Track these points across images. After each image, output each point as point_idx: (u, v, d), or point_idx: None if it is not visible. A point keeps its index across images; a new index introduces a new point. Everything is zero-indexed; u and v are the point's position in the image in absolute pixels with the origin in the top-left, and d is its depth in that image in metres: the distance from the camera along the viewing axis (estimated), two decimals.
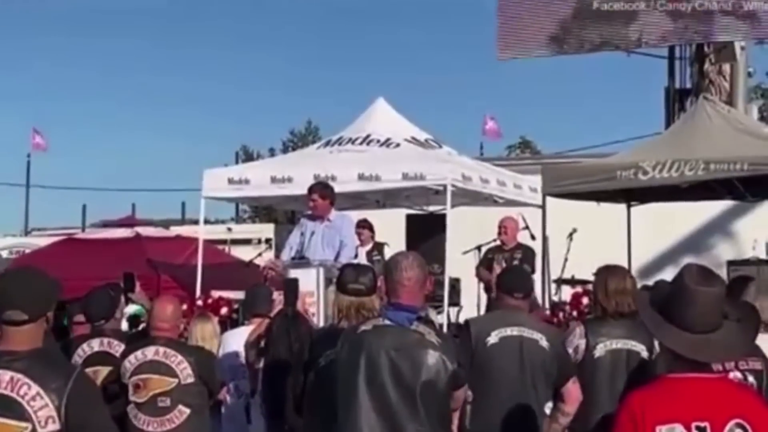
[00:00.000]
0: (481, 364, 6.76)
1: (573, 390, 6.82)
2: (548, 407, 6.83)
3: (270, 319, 7.58)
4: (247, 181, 14.39)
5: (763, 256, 15.78)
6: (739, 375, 5.68)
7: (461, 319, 14.16)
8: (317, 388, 6.22)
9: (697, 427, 3.80)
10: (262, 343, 7.47)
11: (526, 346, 6.82)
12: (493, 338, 6.83)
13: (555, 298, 14.30)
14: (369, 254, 14.42)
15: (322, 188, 12.07)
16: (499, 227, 13.85)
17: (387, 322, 5.54)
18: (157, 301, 8.09)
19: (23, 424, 4.19)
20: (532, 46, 21.03)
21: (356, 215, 13.98)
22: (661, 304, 4.03)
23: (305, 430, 6.54)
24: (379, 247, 14.91)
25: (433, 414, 5.46)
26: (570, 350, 7.08)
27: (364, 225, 14.90)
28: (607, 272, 7.29)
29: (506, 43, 21.04)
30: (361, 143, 14.57)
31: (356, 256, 12.75)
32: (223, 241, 22.60)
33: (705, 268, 4.08)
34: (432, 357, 5.42)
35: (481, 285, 14.18)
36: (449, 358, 5.47)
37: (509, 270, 9.81)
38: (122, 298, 8.61)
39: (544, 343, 6.84)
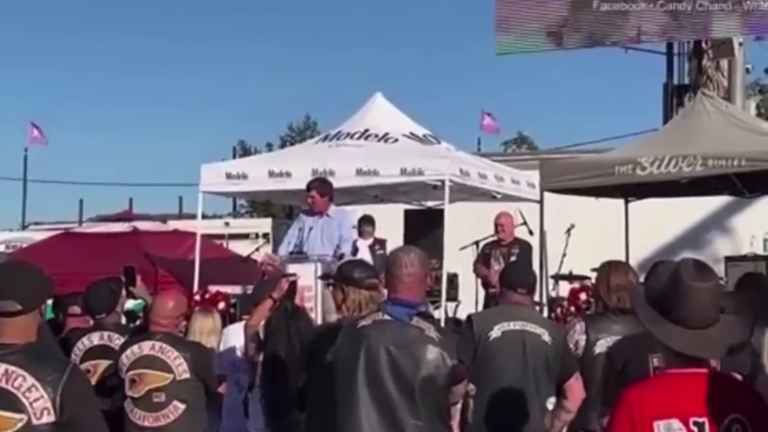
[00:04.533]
0: (483, 358, 6.78)
1: (575, 387, 6.81)
2: (551, 402, 6.83)
3: (273, 300, 7.55)
4: (244, 176, 14.41)
5: (760, 252, 15.87)
6: None
7: (459, 314, 14.23)
8: (323, 384, 6.19)
9: (695, 423, 3.77)
10: (261, 337, 7.46)
11: (528, 340, 6.83)
12: (495, 332, 6.84)
13: (553, 294, 14.33)
14: (371, 248, 14.42)
15: (319, 185, 12.06)
16: (495, 225, 13.87)
17: (386, 317, 5.54)
18: (158, 296, 8.09)
19: (19, 416, 4.19)
20: (530, 41, 21.05)
21: (354, 210, 13.99)
22: (657, 300, 4.02)
23: (308, 424, 6.52)
24: (380, 242, 14.92)
25: (432, 409, 5.45)
26: (570, 346, 7.07)
27: (367, 219, 15.01)
28: (609, 268, 7.27)
29: (504, 38, 21.05)
30: (359, 138, 14.59)
31: (356, 251, 12.79)
32: (221, 236, 22.59)
33: (700, 263, 4.07)
34: (432, 352, 5.42)
35: (479, 280, 14.19)
36: (449, 354, 5.47)
37: (513, 265, 9.83)
38: (123, 292, 8.62)
39: (546, 338, 6.85)
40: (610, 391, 5.73)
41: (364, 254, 12.83)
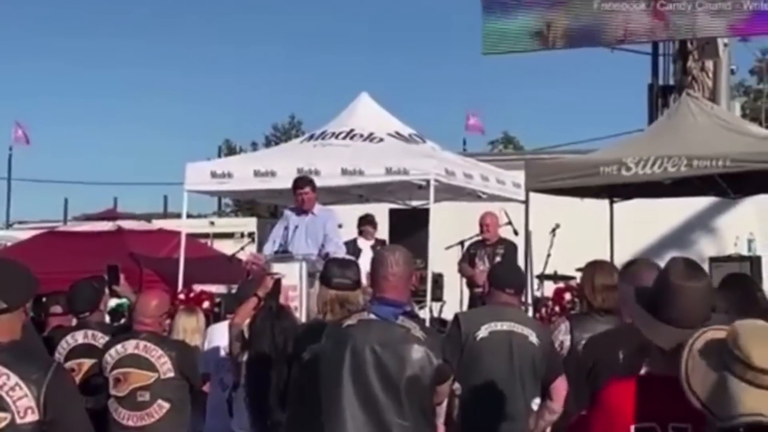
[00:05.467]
0: (470, 357, 6.77)
1: (561, 387, 6.80)
2: (535, 403, 6.83)
3: (258, 299, 7.55)
4: (229, 175, 14.38)
5: (744, 253, 15.88)
6: None
7: (444, 315, 14.21)
8: (302, 382, 6.23)
9: (675, 428, 3.64)
10: (246, 336, 7.45)
11: (515, 341, 6.83)
12: (482, 332, 6.83)
13: (537, 294, 14.32)
14: (373, 248, 14.44)
15: (310, 182, 12.11)
16: (481, 225, 13.83)
17: (372, 316, 5.54)
18: (142, 295, 8.07)
19: (2, 415, 4.16)
20: (517, 41, 21.05)
21: (339, 210, 13.98)
22: (648, 301, 3.97)
23: (289, 423, 6.56)
24: (383, 243, 14.91)
25: (417, 408, 5.46)
26: (555, 344, 7.07)
27: (369, 220, 15.02)
28: (594, 268, 7.27)
29: (491, 38, 21.06)
30: (344, 138, 14.57)
31: (359, 251, 12.86)
32: (206, 235, 22.59)
33: (691, 262, 4.01)
34: (417, 352, 5.42)
35: (464, 280, 14.17)
36: (434, 353, 5.47)
37: (501, 265, 9.81)
38: (107, 291, 8.59)
39: (533, 339, 6.85)
40: (582, 390, 5.70)
41: (367, 255, 12.88)
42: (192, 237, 17.25)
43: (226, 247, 18.85)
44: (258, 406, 7.14)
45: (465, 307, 13.28)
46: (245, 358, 7.33)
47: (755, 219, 17.44)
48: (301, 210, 12.04)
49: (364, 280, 6.55)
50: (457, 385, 6.58)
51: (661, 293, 3.90)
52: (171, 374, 7.38)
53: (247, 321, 7.44)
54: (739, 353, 3.31)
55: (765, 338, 3.34)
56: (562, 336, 7.14)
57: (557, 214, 14.75)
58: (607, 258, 12.20)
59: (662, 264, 4.09)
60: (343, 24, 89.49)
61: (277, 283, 7.74)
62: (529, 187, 14.06)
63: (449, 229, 13.93)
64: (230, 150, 48.44)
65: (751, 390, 3.30)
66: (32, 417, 4.17)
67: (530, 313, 12.15)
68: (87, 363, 7.83)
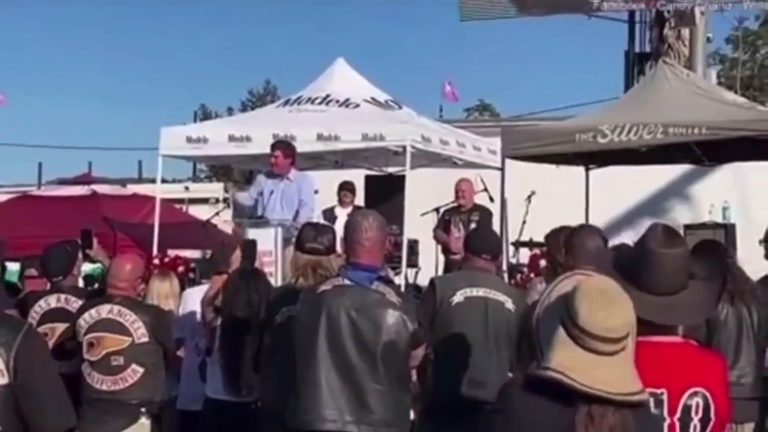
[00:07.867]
0: (444, 322, 6.77)
1: None
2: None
3: (228, 275, 7.52)
4: (205, 140, 14.30)
5: (719, 220, 15.93)
6: None
7: (419, 281, 14.22)
8: (274, 346, 6.23)
9: (652, 394, 3.57)
10: (219, 301, 7.42)
11: (491, 307, 6.83)
12: (458, 297, 6.83)
13: (513, 261, 14.34)
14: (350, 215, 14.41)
15: (285, 146, 12.09)
16: (456, 191, 13.81)
17: (346, 281, 5.54)
18: (116, 259, 8.03)
19: None
20: (494, 8, 20.99)
21: (315, 175, 13.94)
22: (626, 267, 3.94)
23: (262, 387, 6.56)
24: (358, 209, 14.88)
25: (393, 372, 5.48)
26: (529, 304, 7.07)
27: (347, 188, 14.95)
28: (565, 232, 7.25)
29: (469, 5, 20.99)
30: (320, 103, 14.52)
31: (335, 219, 12.84)
32: (181, 200, 22.50)
33: (670, 229, 3.99)
34: (392, 317, 5.43)
35: (439, 247, 14.18)
36: (409, 318, 5.48)
37: (478, 231, 9.81)
38: (80, 255, 8.53)
39: (509, 305, 6.85)
40: None
41: (344, 222, 12.85)
42: (167, 202, 17.17)
43: (200, 213, 18.80)
44: (232, 370, 7.13)
45: (440, 274, 13.28)
46: (219, 322, 7.31)
47: (730, 186, 17.49)
48: (273, 174, 12.01)
49: (339, 248, 6.54)
50: (431, 350, 6.59)
51: (640, 260, 3.88)
52: (145, 339, 7.34)
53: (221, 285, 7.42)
54: (571, 309, 3.30)
55: (599, 298, 3.31)
56: (537, 295, 7.13)
57: (533, 181, 14.75)
58: None
59: (638, 231, 4.07)
60: None
61: (252, 246, 7.71)
62: (505, 153, 14.06)
63: (425, 195, 13.91)
64: (206, 115, 48.26)
65: (570, 347, 3.28)
66: (2, 380, 4.12)
67: (505, 280, 12.17)
68: (60, 327, 7.78)
